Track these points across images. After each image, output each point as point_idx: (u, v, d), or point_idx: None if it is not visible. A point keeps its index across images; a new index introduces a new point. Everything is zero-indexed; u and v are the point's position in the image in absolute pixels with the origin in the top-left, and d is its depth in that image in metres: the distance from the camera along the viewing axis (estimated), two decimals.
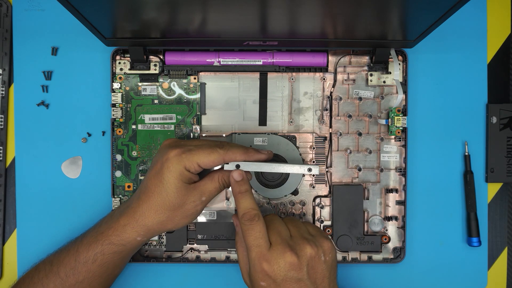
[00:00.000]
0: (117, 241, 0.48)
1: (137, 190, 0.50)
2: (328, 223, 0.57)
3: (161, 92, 0.56)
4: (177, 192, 0.47)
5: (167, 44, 0.55)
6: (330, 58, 0.56)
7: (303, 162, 0.56)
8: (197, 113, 0.56)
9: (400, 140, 0.56)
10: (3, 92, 0.56)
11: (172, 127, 0.56)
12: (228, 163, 0.49)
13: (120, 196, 0.56)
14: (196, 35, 0.51)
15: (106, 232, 0.49)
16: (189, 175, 0.48)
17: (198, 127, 0.56)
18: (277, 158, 0.56)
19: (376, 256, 0.57)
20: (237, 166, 0.49)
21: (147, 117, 0.56)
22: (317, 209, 0.57)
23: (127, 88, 0.56)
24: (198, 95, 0.56)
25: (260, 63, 0.55)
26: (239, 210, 0.48)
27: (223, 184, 0.49)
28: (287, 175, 0.55)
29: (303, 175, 0.56)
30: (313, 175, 0.56)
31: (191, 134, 0.56)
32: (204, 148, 0.48)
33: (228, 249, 0.56)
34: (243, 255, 0.50)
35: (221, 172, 0.49)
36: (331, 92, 0.57)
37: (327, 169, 0.57)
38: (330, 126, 0.57)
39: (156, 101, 0.56)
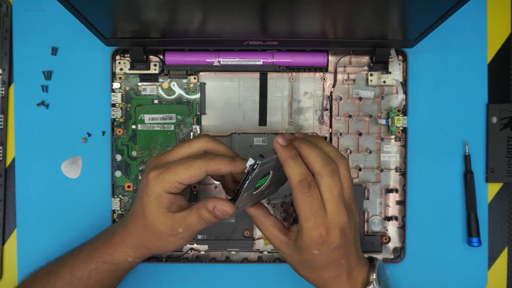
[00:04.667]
0: (110, 260, 0.48)
1: (131, 207, 0.49)
2: None
3: (161, 92, 0.56)
4: (156, 219, 0.45)
5: (167, 44, 0.55)
6: (330, 58, 0.56)
7: None
8: (197, 113, 0.56)
9: (400, 140, 0.56)
10: (3, 92, 0.56)
11: (172, 127, 0.56)
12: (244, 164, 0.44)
13: (120, 196, 0.56)
14: (196, 35, 0.51)
15: (101, 249, 0.48)
16: (170, 198, 0.44)
17: (198, 127, 0.56)
18: None
19: (376, 256, 0.56)
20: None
21: (147, 117, 0.56)
22: None
23: (127, 88, 0.56)
24: (198, 95, 0.56)
25: (260, 63, 0.55)
26: (293, 177, 0.43)
27: (201, 218, 0.44)
28: None
29: None
30: None
31: (191, 134, 0.56)
32: (182, 163, 0.44)
33: (228, 249, 0.56)
34: (278, 227, 0.46)
35: (199, 204, 0.44)
36: (331, 92, 0.57)
37: None
38: (330, 126, 0.57)
39: (156, 101, 0.56)
